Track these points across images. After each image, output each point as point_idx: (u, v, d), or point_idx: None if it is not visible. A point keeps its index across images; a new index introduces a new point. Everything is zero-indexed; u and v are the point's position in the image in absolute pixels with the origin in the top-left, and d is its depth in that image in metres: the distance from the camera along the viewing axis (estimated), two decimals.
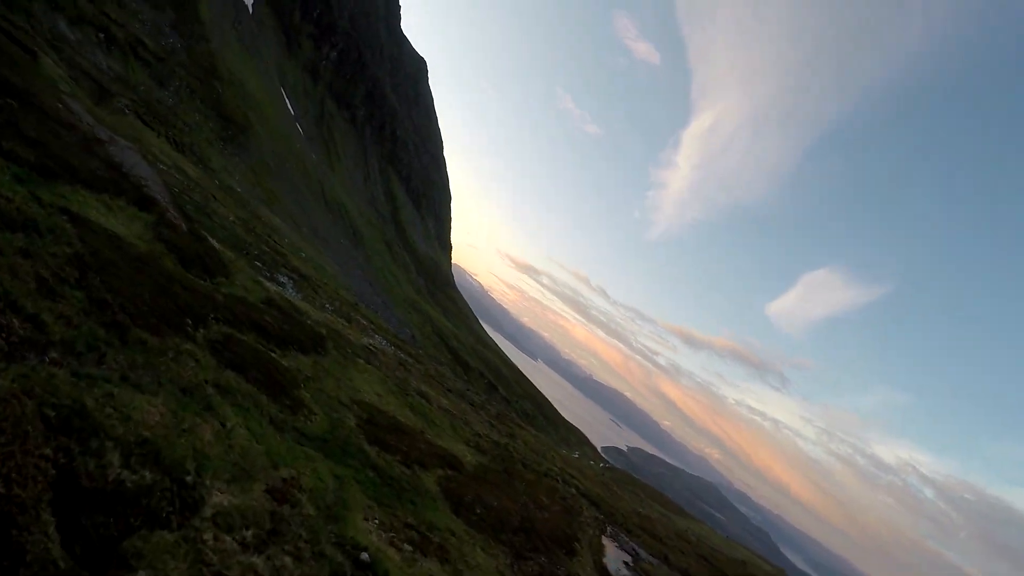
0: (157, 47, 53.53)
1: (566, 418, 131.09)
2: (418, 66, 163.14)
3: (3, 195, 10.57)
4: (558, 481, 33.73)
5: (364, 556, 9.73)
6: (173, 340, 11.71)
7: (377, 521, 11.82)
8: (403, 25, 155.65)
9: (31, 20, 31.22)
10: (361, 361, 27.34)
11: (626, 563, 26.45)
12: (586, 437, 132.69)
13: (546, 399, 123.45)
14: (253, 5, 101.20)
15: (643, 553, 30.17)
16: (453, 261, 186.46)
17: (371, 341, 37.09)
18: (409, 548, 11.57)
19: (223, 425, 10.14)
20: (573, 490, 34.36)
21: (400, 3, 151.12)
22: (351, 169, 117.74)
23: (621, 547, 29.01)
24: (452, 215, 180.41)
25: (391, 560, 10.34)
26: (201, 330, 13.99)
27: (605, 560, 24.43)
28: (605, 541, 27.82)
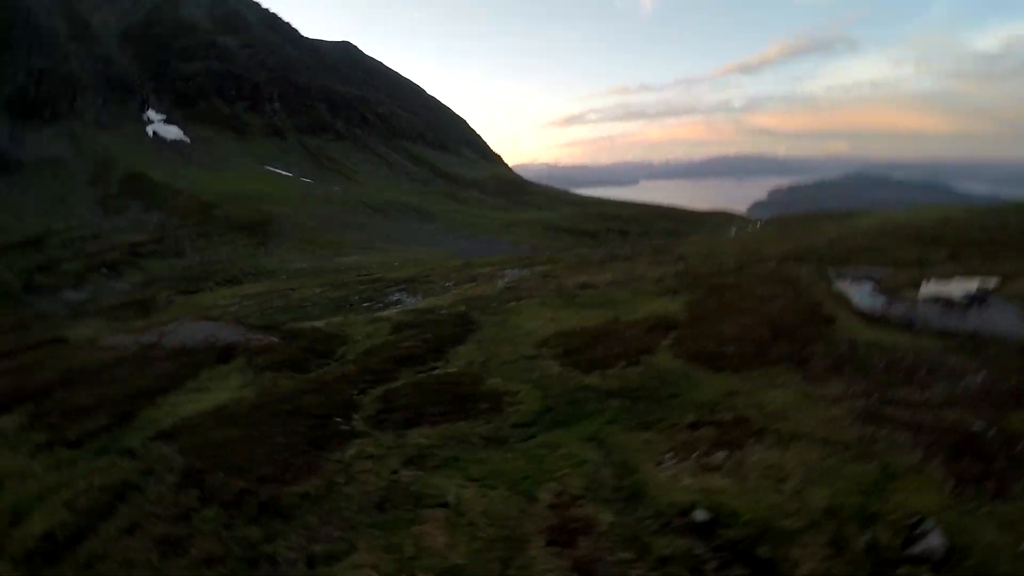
0: (151, 236, 53.62)
1: (701, 210, 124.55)
2: (345, 51, 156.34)
3: (83, 494, 8.77)
4: (752, 266, 29.94)
5: (699, 515, 7.13)
6: (332, 457, 9.65)
7: (669, 454, 9.18)
8: (307, 33, 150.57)
9: (34, 310, 31.37)
10: (512, 303, 25.02)
11: (873, 291, 22.32)
12: (729, 211, 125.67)
13: (673, 207, 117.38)
14: (185, 132, 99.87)
15: (875, 272, 25.79)
16: (512, 164, 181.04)
17: (504, 281, 34.97)
18: (720, 455, 8.81)
19: (447, 506, 7.86)
20: (771, 263, 30.43)
21: (286, 20, 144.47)
22: (372, 171, 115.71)
23: (853, 280, 24.92)
24: (478, 131, 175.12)
25: (722, 491, 7.65)
26: (354, 416, 11.97)
27: (855, 302, 20.61)
28: (839, 285, 23.86)
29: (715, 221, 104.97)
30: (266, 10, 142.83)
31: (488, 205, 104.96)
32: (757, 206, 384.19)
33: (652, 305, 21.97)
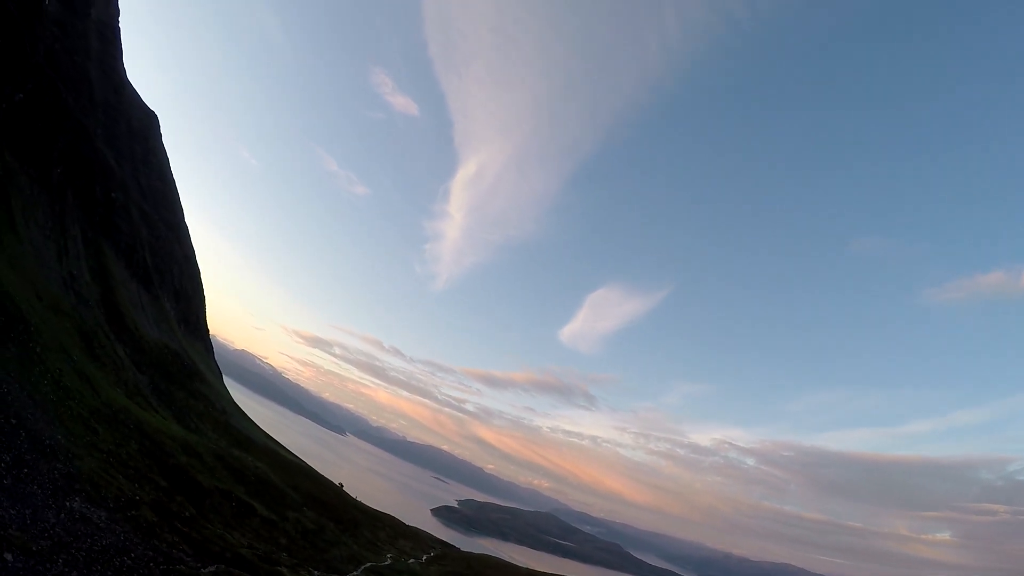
0: None
1: (374, 509, 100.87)
2: (147, 120, 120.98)
3: None
4: None
5: None
6: None
7: None
8: (127, 71, 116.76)
9: None
10: None
11: None
12: (402, 524, 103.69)
13: (343, 496, 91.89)
14: None
15: None
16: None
17: None
18: None
19: None
20: None
21: (122, 42, 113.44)
22: (38, 241, 77.80)
23: None
24: (205, 292, 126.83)
25: None
26: None
27: None
28: None
29: (377, 533, 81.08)
30: None
31: (122, 375, 66.84)
32: (442, 510, 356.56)
33: None
